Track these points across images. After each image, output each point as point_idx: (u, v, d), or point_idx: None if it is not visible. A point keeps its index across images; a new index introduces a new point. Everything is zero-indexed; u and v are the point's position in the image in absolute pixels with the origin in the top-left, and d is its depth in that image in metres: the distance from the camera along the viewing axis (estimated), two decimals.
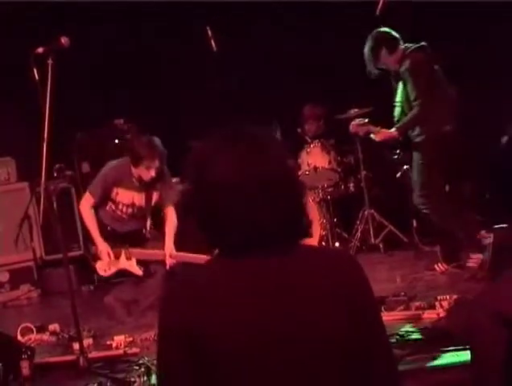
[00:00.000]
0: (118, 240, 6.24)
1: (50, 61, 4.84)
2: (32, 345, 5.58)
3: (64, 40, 4.85)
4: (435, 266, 6.38)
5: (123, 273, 6.30)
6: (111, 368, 4.84)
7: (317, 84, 8.43)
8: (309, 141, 8.32)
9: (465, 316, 1.96)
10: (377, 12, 6.95)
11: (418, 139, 6.22)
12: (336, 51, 8.28)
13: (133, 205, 6.29)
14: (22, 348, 5.08)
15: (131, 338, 5.55)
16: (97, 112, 8.32)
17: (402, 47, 6.31)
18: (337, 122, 8.27)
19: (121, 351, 5.27)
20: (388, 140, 6.41)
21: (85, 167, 8.64)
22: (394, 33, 6.36)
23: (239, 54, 8.42)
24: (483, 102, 7.61)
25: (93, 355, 5.14)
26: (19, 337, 5.90)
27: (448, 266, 6.32)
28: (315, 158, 8.16)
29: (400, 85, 6.29)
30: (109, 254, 6.14)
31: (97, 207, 6.27)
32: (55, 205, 5.10)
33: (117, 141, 8.52)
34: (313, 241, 7.62)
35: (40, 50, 4.86)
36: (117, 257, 6.15)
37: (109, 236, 6.24)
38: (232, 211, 1.92)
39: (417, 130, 6.21)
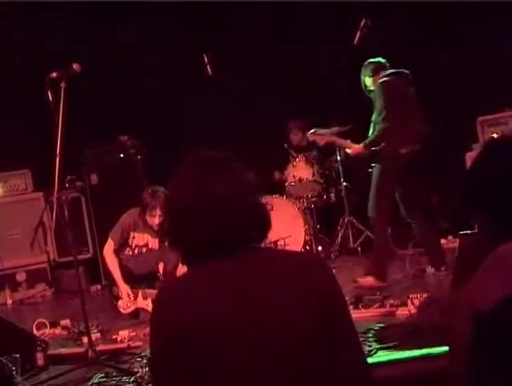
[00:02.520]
0: (136, 281, 6.33)
1: (63, 84, 4.87)
2: (46, 338, 5.57)
3: (75, 66, 4.89)
4: (426, 268, 6.37)
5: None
6: (116, 360, 4.84)
7: (303, 102, 8.45)
8: (295, 155, 8.35)
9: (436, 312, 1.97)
10: (355, 42, 6.98)
11: (378, 157, 6.13)
12: (322, 71, 8.33)
13: (146, 246, 6.38)
14: (37, 341, 5.08)
15: (134, 333, 5.55)
16: (104, 129, 8.33)
17: (384, 72, 6.26)
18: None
19: (125, 345, 5.26)
20: (359, 154, 6.36)
21: (94, 179, 8.65)
22: (380, 60, 6.35)
23: (229, 74, 8.43)
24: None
25: (101, 347, 5.12)
26: (35, 331, 5.90)
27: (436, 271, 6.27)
28: (300, 171, 8.21)
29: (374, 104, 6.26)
30: (128, 295, 6.24)
31: (118, 251, 6.35)
32: (66, 213, 5.11)
33: (122, 155, 8.53)
34: (298, 245, 7.65)
35: (54, 74, 4.89)
36: (135, 297, 6.24)
37: (128, 277, 6.32)
38: (205, 221, 1.96)
39: (379, 147, 6.11)
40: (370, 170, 6.28)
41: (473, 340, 1.84)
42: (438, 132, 6.33)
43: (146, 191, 6.25)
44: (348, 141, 6.44)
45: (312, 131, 6.83)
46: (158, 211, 6.14)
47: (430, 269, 6.31)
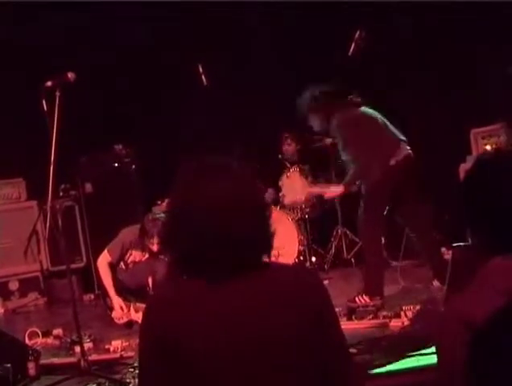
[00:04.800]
0: (127, 293, 6.36)
1: (57, 93, 4.86)
2: (38, 348, 5.54)
3: (70, 75, 4.89)
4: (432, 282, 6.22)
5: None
6: (109, 370, 4.83)
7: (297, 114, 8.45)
8: (289, 166, 8.34)
9: (433, 322, 1.96)
10: (350, 54, 6.97)
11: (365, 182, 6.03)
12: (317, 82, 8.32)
13: (140, 262, 6.35)
14: (29, 351, 5.06)
15: (127, 343, 5.52)
16: (98, 138, 8.32)
17: (326, 103, 6.03)
18: (313, 150, 8.31)
19: (118, 355, 5.25)
20: (337, 196, 6.36)
21: (88, 187, 8.62)
22: (317, 94, 6.08)
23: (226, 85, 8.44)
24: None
25: (93, 357, 5.12)
26: (27, 340, 5.86)
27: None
28: (294, 182, 8.20)
29: None
30: (121, 307, 6.26)
31: (112, 264, 6.35)
32: (60, 221, 5.09)
33: (116, 164, 8.53)
34: (292, 256, 7.63)
35: (49, 83, 4.89)
36: (128, 309, 6.26)
37: (120, 289, 6.34)
38: (206, 233, 1.91)
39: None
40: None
41: (468, 354, 1.84)
42: (432, 143, 6.34)
43: (147, 218, 6.24)
44: (328, 188, 6.38)
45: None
46: (156, 240, 6.09)
47: (436, 283, 6.18)
